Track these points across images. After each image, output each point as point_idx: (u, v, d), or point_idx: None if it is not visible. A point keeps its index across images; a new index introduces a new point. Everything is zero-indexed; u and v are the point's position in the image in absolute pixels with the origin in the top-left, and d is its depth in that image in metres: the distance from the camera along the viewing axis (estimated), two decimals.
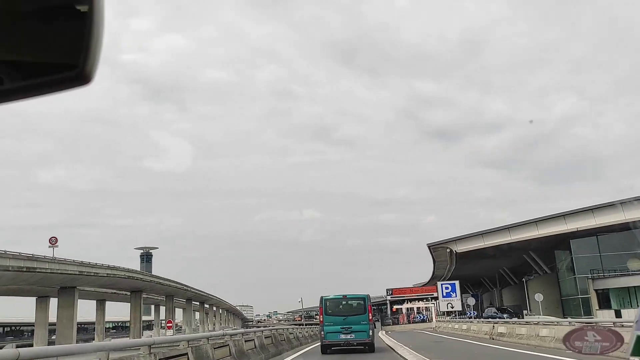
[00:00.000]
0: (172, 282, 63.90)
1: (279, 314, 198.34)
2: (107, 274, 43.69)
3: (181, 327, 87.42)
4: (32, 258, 32.36)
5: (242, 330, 21.83)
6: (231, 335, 16.41)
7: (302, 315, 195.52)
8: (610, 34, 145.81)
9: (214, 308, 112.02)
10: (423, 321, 62.11)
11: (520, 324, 22.10)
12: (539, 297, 41.12)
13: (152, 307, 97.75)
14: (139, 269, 62.65)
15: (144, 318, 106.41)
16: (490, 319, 33.47)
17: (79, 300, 66.14)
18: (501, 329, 23.56)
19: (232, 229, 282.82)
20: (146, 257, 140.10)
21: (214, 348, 13.59)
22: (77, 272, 38.06)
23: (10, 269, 29.63)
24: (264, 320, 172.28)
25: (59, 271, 35.94)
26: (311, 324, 76.07)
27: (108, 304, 68.14)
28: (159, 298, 73.88)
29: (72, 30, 0.88)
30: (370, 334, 19.40)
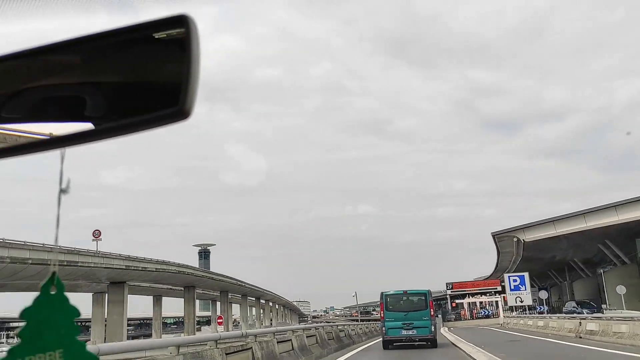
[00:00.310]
0: (225, 277, 62.73)
1: (336, 309, 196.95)
2: (157, 268, 42.65)
3: (238, 322, 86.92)
4: (74, 251, 31.49)
5: (303, 325, 22.73)
6: (293, 330, 17.02)
7: (359, 311, 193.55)
8: None
9: (270, 304, 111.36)
10: (487, 317, 58.47)
11: (618, 320, 18.59)
12: (621, 289, 36.93)
13: (210, 302, 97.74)
14: (191, 265, 61.53)
15: (203, 314, 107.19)
16: (574, 315, 29.61)
17: (137, 297, 67.01)
18: (591, 325, 20.17)
19: (288, 225, 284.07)
20: (204, 254, 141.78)
21: (278, 342, 14.04)
22: (124, 267, 37.02)
23: (49, 262, 28.57)
24: (321, 315, 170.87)
25: (104, 265, 35.15)
26: (368, 320, 73.94)
27: (168, 300, 68.17)
28: (214, 294, 73.10)
29: (171, 71, 0.94)
30: (432, 329, 19.33)
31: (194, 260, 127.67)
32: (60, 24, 1.08)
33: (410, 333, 19.12)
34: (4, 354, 0.63)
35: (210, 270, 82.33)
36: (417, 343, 19.25)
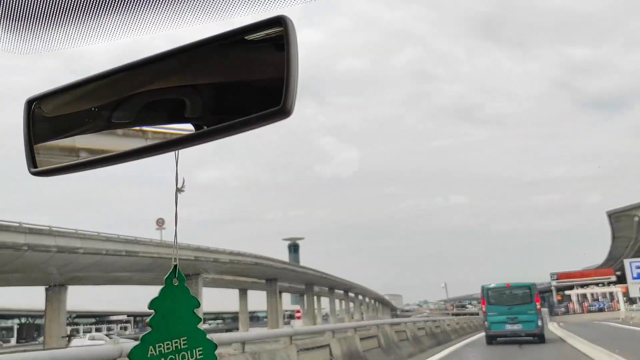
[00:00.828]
0: (308, 270, 60.15)
1: (430, 302, 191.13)
2: (230, 259, 40.57)
3: (328, 316, 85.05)
4: (134, 241, 29.96)
5: (390, 320, 22.79)
6: (378, 325, 16.67)
7: (454, 305, 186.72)
8: None
9: (360, 297, 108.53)
10: (601, 310, 51.90)
11: None
12: None
13: (299, 296, 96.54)
14: (277, 258, 59.52)
15: (291, 307, 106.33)
16: None
17: (219, 290, 66.56)
18: None
19: (378, 218, 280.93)
20: (294, 248, 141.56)
21: (361, 339, 12.95)
22: (193, 258, 35.07)
23: (104, 252, 27.51)
24: (415, 310, 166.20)
25: (168, 256, 32.98)
26: (464, 314, 68.96)
27: (256, 293, 67.06)
28: (300, 287, 71.01)
29: (272, 71, 1.00)
30: (540, 324, 18.59)
31: (284, 254, 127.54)
32: (163, 35, 1.20)
33: (515, 328, 18.51)
34: (137, 342, 0.74)
35: (300, 264, 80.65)
36: (523, 338, 18.53)
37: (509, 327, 18.56)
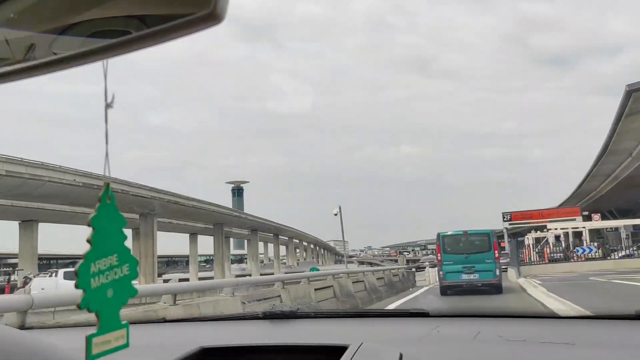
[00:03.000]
0: (248, 215, 62.96)
1: (374, 249, 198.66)
2: (176, 201, 42.44)
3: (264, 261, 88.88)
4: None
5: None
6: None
7: (398, 251, 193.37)
8: None
9: (305, 243, 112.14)
10: (592, 259, 34.69)
11: None
12: None
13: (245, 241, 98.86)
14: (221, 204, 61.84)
15: (238, 252, 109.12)
16: None
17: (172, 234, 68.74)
18: None
19: (330, 166, 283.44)
20: (237, 192, 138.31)
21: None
22: (120, 191, 35.86)
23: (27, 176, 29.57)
24: (359, 255, 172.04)
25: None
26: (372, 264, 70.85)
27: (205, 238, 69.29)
28: (244, 232, 74.07)
29: None
30: (497, 273, 17.90)
31: (227, 199, 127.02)
32: None
33: (472, 277, 17.83)
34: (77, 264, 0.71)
35: (244, 209, 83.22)
36: (480, 288, 17.80)
37: (465, 276, 17.91)
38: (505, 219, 53.63)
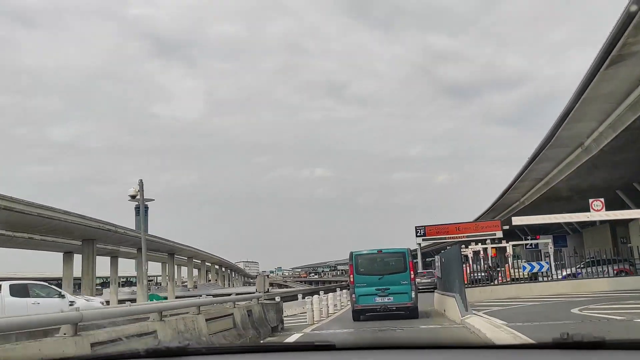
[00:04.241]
0: (130, 231, 53.41)
1: (284, 270, 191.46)
2: (39, 213, 32.89)
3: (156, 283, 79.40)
4: None
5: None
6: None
7: (308, 272, 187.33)
8: None
9: (208, 264, 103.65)
10: (535, 278, 27.50)
11: None
12: None
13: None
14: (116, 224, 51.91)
15: (128, 274, 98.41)
16: None
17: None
18: None
19: (243, 187, 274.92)
20: (138, 210, 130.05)
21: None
22: None
23: None
24: (268, 276, 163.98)
25: None
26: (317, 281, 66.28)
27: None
28: (132, 251, 64.19)
29: None
30: (413, 295, 16.70)
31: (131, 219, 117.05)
32: None
33: (387, 300, 16.66)
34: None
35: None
36: (394, 313, 16.51)
37: (379, 299, 16.74)
38: (418, 234, 48.87)
